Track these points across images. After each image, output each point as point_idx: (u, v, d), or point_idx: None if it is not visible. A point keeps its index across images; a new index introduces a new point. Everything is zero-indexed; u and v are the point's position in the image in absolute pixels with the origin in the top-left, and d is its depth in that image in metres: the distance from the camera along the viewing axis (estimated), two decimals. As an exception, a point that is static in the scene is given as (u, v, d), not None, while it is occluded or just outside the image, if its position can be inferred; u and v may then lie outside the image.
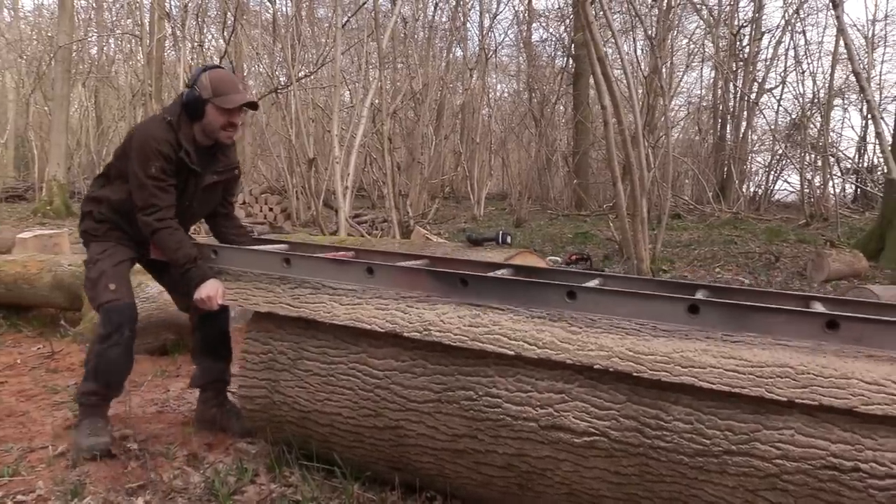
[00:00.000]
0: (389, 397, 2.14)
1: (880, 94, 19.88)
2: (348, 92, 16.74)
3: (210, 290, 2.56)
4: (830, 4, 5.36)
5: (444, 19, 20.98)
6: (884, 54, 21.18)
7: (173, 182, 2.65)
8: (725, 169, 20.24)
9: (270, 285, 2.43)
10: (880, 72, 21.91)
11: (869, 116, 21.58)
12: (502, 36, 25.13)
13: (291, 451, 2.44)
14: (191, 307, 2.91)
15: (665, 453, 1.79)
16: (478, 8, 21.49)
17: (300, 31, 13.12)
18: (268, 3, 16.79)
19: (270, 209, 14.58)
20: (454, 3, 19.54)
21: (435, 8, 18.83)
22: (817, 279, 6.86)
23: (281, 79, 13.79)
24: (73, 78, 18.44)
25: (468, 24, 23.56)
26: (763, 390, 1.70)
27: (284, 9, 17.99)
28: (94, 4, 23.11)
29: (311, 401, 2.31)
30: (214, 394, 2.96)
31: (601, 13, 8.29)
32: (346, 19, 11.02)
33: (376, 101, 10.07)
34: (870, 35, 19.90)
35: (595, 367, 1.84)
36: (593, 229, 11.54)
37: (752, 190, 22.47)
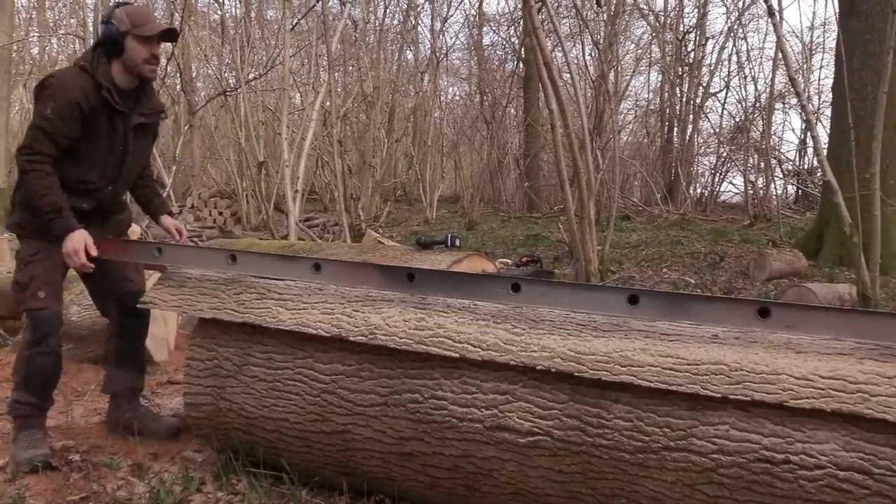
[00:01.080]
0: (336, 402, 2.14)
1: (819, 98, 20.58)
2: (298, 95, 16.59)
3: (76, 243, 2.47)
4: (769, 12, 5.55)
5: (395, 22, 20.99)
6: (822, 60, 21.93)
7: (66, 133, 2.49)
8: (673, 171, 20.71)
9: (215, 291, 2.40)
10: (818, 77, 22.67)
11: (804, 119, 22.34)
12: (453, 39, 25.21)
13: (238, 459, 2.42)
14: (110, 314, 2.88)
15: (606, 451, 1.84)
16: (429, 11, 21.54)
17: (249, 33, 12.95)
18: (216, 4, 16.55)
19: (220, 213, 14.34)
20: (405, 6, 19.56)
21: (385, 11, 18.80)
22: (759, 278, 7.08)
23: (230, 81, 13.59)
24: (13, 79, 17.82)
25: (419, 27, 23.62)
26: (699, 387, 1.75)
27: (233, 10, 17.74)
28: (35, 3, 22.41)
29: (258, 407, 2.29)
30: (127, 400, 2.93)
31: (548, 19, 8.41)
32: (295, 22, 10.92)
33: (327, 103, 10.02)
34: (808, 41, 20.64)
35: (538, 367, 1.87)
36: (544, 231, 11.67)
37: (698, 191, 23.05)
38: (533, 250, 9.21)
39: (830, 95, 9.51)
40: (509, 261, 6.77)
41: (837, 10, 8.92)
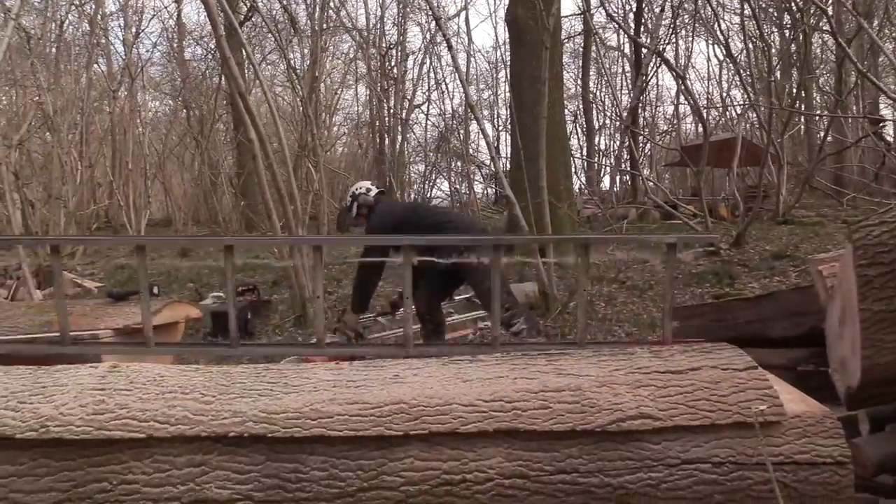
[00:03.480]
0: (9, 507, 1.92)
1: (507, 111, 23.08)
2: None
3: None
4: (448, 43, 6.09)
5: (79, 32, 19.01)
6: (506, 76, 24.72)
7: None
8: (387, 180, 21.70)
9: None
10: (505, 90, 25.52)
11: (500, 129, 24.95)
12: (150, 51, 23.48)
13: None
14: None
15: (307, 503, 1.91)
16: (120, 20, 19.86)
17: None
18: None
19: None
20: (90, 14, 17.80)
21: (61, 24, 16.88)
22: (463, 283, 7.74)
23: None
24: None
25: (110, 38, 21.70)
26: (383, 428, 1.91)
27: None
28: None
29: None
30: None
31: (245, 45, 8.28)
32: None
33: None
34: (495, 60, 22.99)
35: (230, 434, 1.88)
36: (264, 252, 11.44)
37: (412, 197, 24.47)
38: (251, 276, 9.01)
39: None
40: (222, 294, 6.56)
41: (508, 37, 10.11)
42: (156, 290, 3.75)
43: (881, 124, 13.44)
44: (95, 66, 19.63)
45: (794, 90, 13.29)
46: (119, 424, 1.88)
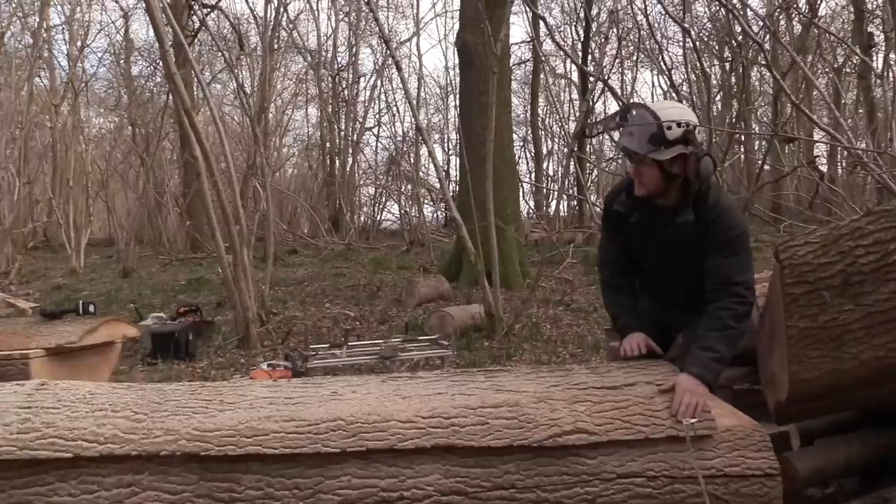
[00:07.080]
0: (-77, 533, 1.83)
1: (456, 134, 23.27)
2: None
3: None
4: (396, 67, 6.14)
5: (20, 44, 18.48)
6: (457, 100, 24.94)
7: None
8: (337, 202, 21.58)
9: None
10: (455, 116, 25.74)
11: (451, 153, 25.17)
12: (95, 67, 22.94)
13: None
14: None
15: (240, 522, 1.87)
16: (66, 35, 19.36)
17: None
18: None
19: None
20: (34, 26, 17.32)
21: (2, 35, 16.42)
22: (410, 304, 7.75)
23: None
24: None
25: (54, 52, 21.17)
26: (320, 446, 1.89)
27: None
28: None
29: None
30: None
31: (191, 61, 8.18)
32: None
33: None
34: (445, 84, 23.22)
35: (162, 453, 1.83)
36: (209, 273, 11.24)
37: (362, 220, 24.39)
38: (195, 297, 8.82)
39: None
40: (163, 315, 6.41)
41: (458, 62, 10.25)
42: (92, 309, 3.64)
43: (792, 143, 14.05)
44: (37, 79, 19.11)
45: (734, 119, 13.79)
46: (45, 444, 1.82)
